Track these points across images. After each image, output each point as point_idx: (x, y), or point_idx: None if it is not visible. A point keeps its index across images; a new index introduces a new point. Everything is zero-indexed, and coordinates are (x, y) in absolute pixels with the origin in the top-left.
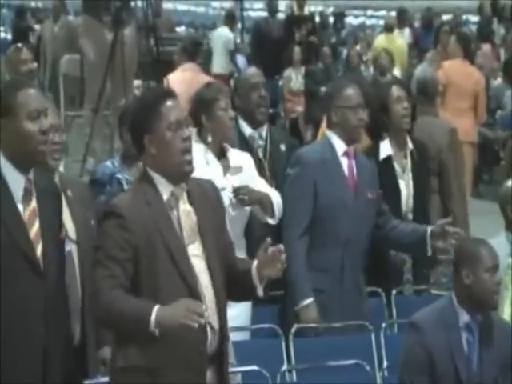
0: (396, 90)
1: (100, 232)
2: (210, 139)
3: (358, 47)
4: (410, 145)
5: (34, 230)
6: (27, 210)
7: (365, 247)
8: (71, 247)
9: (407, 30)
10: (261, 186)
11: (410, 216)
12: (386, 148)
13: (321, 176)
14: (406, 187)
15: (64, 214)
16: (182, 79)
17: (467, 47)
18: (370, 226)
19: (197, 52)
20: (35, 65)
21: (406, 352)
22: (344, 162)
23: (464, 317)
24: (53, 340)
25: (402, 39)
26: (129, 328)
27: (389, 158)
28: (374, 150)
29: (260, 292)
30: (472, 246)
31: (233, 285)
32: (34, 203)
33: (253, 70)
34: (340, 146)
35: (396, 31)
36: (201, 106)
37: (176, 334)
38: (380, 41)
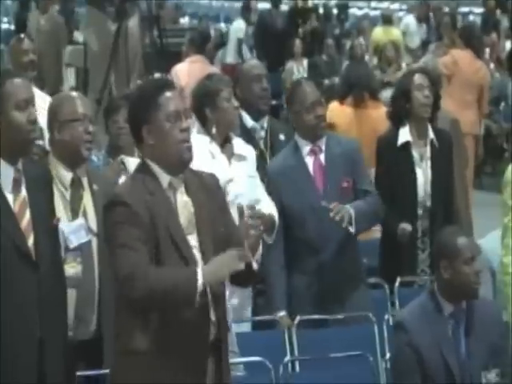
0: (418, 78)
1: (110, 223)
2: (214, 131)
3: (361, 38)
4: (431, 134)
5: (25, 220)
6: (17, 201)
7: (347, 241)
8: (91, 238)
9: (424, 26)
10: (260, 192)
11: (428, 203)
12: (404, 134)
13: (285, 186)
14: (423, 175)
15: (87, 206)
16: (189, 71)
17: (471, 40)
18: None
19: (205, 44)
20: (36, 57)
21: (396, 353)
22: (310, 161)
23: (448, 307)
24: (48, 330)
25: (398, 31)
26: (174, 300)
27: (407, 145)
28: (393, 136)
29: (254, 265)
30: (449, 238)
31: (240, 273)
32: (23, 193)
33: (254, 62)
34: (305, 146)
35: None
36: (204, 99)
37: (180, 322)
38: (377, 33)
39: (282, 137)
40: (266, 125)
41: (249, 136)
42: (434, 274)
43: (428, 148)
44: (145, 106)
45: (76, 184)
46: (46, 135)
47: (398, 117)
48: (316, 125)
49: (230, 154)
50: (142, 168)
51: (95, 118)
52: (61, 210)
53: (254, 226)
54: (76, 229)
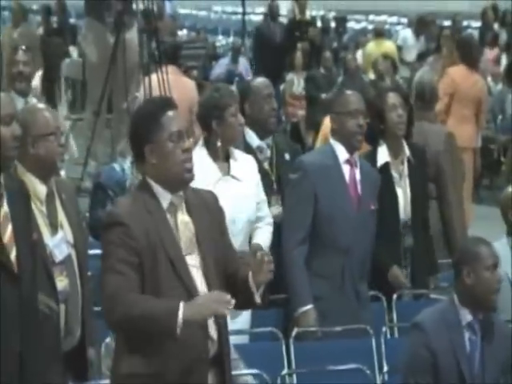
0: (391, 98)
1: (105, 242)
2: (219, 144)
3: (358, 52)
4: (407, 151)
5: (8, 234)
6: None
7: (367, 255)
8: (70, 250)
9: (422, 38)
10: (261, 199)
11: (409, 221)
12: (383, 155)
13: (321, 183)
14: (403, 194)
15: (60, 217)
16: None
17: (469, 52)
18: (371, 235)
19: (177, 55)
20: (28, 69)
21: (410, 353)
22: (346, 169)
23: (466, 316)
24: (29, 343)
25: (391, 44)
26: (152, 329)
27: (386, 165)
28: (371, 157)
29: (257, 299)
30: (472, 245)
31: (235, 293)
32: (5, 207)
33: (264, 81)
34: (342, 153)
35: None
36: (212, 111)
37: (178, 343)
38: (370, 47)
39: (286, 156)
40: (270, 142)
41: (252, 155)
42: (454, 282)
43: (405, 166)
44: (148, 125)
45: (50, 197)
46: None
47: (373, 136)
48: (355, 133)
49: (226, 173)
50: (143, 187)
51: (93, 130)
52: (41, 224)
53: (270, 261)
54: (58, 243)
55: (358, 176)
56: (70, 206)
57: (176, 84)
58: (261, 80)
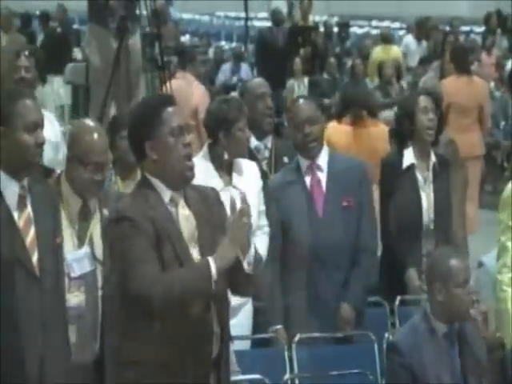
0: (423, 101)
1: (118, 238)
2: (226, 156)
3: (358, 59)
4: (433, 157)
5: (30, 237)
6: (22, 217)
7: (344, 258)
8: (96, 266)
9: (424, 44)
10: (261, 209)
11: (431, 226)
12: (409, 156)
13: (283, 198)
14: (426, 199)
15: (95, 232)
16: (174, 87)
17: (462, 61)
18: (347, 234)
19: (183, 61)
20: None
21: (390, 374)
22: (307, 177)
23: (441, 328)
24: (50, 347)
25: (398, 50)
26: (193, 295)
27: (412, 167)
28: (397, 158)
29: (245, 266)
30: (442, 261)
31: (235, 278)
32: (28, 210)
33: (259, 80)
34: (303, 162)
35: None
36: (220, 123)
37: (182, 338)
38: (377, 52)
39: (285, 159)
40: (269, 144)
41: (252, 157)
42: (427, 296)
43: (430, 172)
44: (149, 121)
45: (85, 210)
46: (47, 153)
47: (401, 137)
48: (303, 143)
49: (227, 184)
50: (144, 183)
51: None
52: (67, 236)
53: (246, 212)
54: (80, 258)
55: (323, 178)
56: None
57: (189, 88)
58: (255, 80)
